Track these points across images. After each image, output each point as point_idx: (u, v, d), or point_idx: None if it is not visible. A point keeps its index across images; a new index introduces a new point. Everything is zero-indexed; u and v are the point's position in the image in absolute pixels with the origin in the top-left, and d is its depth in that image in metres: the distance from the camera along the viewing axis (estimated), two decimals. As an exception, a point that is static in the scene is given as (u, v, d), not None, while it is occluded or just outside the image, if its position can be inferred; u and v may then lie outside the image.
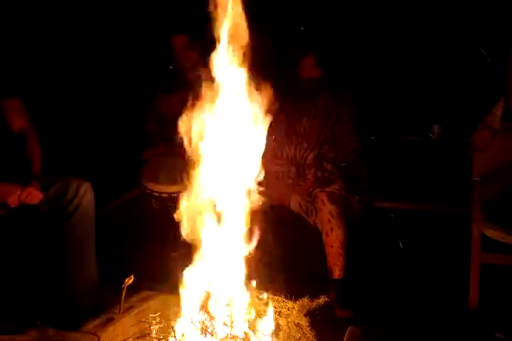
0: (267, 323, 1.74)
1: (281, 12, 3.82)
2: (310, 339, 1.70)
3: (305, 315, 1.77)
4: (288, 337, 1.71)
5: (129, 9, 3.61)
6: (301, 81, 2.93)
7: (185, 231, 1.82)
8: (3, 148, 2.36)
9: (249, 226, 1.81)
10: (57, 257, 2.27)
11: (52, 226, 2.26)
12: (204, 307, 1.76)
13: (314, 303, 1.75)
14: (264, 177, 1.81)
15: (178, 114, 3.04)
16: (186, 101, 3.04)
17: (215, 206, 1.81)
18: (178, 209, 1.91)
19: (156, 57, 3.33)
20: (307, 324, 1.71)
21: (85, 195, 2.27)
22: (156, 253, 2.73)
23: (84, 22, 3.47)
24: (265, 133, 1.81)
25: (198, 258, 1.82)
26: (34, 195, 2.20)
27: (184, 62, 3.07)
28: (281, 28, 3.74)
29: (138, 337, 1.76)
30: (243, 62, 1.78)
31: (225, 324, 1.67)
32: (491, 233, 2.48)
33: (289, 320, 1.72)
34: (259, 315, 1.74)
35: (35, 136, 2.42)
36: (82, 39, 3.47)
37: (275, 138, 2.91)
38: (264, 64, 1.83)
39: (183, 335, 1.71)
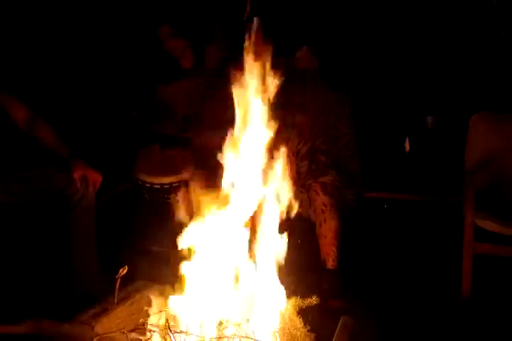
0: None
1: (277, 3, 3.81)
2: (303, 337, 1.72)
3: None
4: (283, 335, 1.73)
5: (121, 3, 3.58)
6: (295, 71, 2.93)
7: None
8: (12, 143, 2.38)
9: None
10: (62, 246, 2.29)
11: (57, 215, 2.29)
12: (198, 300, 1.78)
13: (307, 302, 1.77)
14: None
15: (178, 103, 3.05)
16: (184, 90, 3.06)
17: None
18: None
19: (148, 49, 3.31)
20: (300, 321, 1.73)
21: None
22: (148, 244, 2.74)
23: (76, 16, 3.44)
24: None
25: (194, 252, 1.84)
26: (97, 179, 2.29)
27: (172, 52, 3.07)
28: (277, 19, 3.73)
29: (133, 330, 1.76)
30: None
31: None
32: (483, 223, 2.50)
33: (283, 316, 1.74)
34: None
35: (43, 123, 2.41)
36: (73, 31, 3.44)
37: None
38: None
39: (177, 327, 1.72)
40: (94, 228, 2.35)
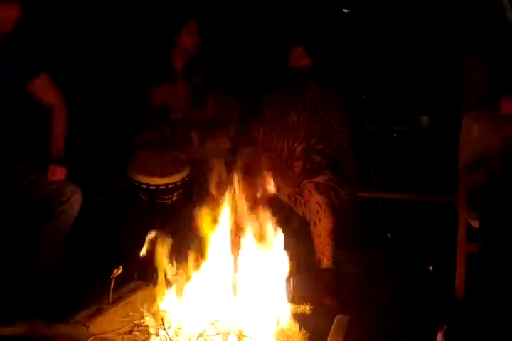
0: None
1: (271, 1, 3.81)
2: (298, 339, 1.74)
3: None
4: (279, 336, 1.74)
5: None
6: (290, 71, 2.93)
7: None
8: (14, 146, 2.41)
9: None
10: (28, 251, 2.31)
11: (34, 222, 2.30)
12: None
13: (302, 307, 1.79)
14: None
15: (169, 103, 3.05)
16: (175, 90, 3.05)
17: None
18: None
19: (140, 48, 3.29)
20: (296, 323, 1.75)
21: (76, 202, 2.34)
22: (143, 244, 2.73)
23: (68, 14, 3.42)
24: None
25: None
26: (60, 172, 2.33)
27: (195, 48, 3.05)
28: (271, 18, 3.73)
29: (129, 331, 1.76)
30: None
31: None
32: (476, 223, 2.51)
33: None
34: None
35: (63, 112, 2.46)
36: (69, 29, 3.42)
37: (264, 131, 2.92)
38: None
39: (169, 327, 1.72)
40: (63, 242, 2.37)
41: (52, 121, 2.46)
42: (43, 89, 2.43)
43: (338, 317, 1.84)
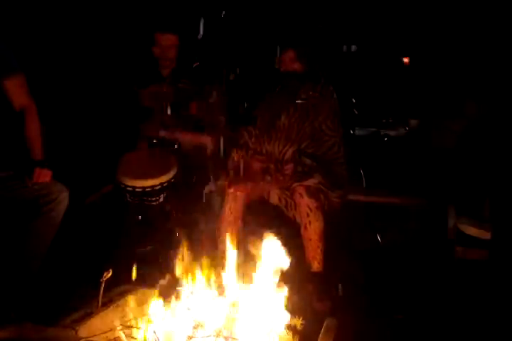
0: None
1: (261, 5, 3.82)
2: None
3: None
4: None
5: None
6: (281, 74, 2.94)
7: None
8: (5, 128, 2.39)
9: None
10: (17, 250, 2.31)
11: (22, 221, 2.31)
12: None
13: (293, 321, 1.81)
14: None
15: (151, 108, 3.05)
16: (159, 95, 3.06)
17: None
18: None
19: (128, 51, 3.30)
20: (289, 333, 1.76)
21: (63, 201, 2.35)
22: (133, 247, 2.73)
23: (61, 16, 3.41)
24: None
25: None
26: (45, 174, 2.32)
27: (166, 59, 3.06)
28: (262, 22, 3.74)
29: (119, 335, 1.76)
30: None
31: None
32: (465, 228, 2.53)
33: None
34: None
35: (35, 114, 2.43)
36: (59, 30, 3.42)
37: (256, 134, 2.93)
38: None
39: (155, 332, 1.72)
40: (50, 242, 2.37)
41: (26, 124, 2.42)
42: (18, 88, 2.40)
43: (327, 320, 1.86)
